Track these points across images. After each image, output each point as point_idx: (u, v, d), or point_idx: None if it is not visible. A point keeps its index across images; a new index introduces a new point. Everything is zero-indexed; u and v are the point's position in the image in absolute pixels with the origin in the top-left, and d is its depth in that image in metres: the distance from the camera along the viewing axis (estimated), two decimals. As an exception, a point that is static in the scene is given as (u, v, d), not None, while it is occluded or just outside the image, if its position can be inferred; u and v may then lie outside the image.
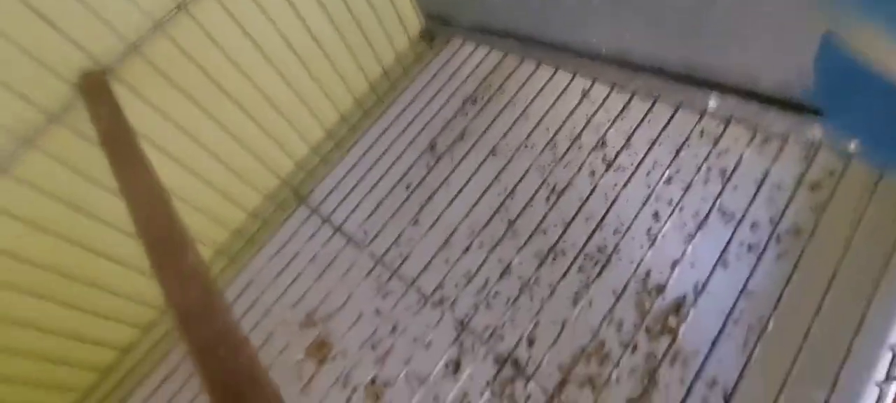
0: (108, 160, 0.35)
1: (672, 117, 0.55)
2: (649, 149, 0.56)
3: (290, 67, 0.58)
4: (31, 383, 0.51)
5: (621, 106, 0.59)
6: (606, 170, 0.61)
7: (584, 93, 0.64)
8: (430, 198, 0.64)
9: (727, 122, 0.52)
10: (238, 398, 0.21)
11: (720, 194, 0.54)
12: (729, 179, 0.55)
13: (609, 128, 0.59)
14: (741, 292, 0.48)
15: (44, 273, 0.48)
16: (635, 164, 0.58)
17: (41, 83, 0.43)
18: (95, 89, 0.41)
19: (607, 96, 0.60)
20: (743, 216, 0.52)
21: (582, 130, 0.62)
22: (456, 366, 0.55)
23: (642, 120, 0.56)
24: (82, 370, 0.55)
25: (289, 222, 0.63)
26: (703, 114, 0.53)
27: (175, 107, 0.51)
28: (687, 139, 0.55)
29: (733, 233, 0.52)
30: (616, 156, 0.61)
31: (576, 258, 0.56)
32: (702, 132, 0.57)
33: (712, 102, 0.49)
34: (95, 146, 0.46)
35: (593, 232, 0.57)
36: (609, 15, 0.53)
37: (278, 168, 0.63)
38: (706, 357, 0.46)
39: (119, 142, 0.35)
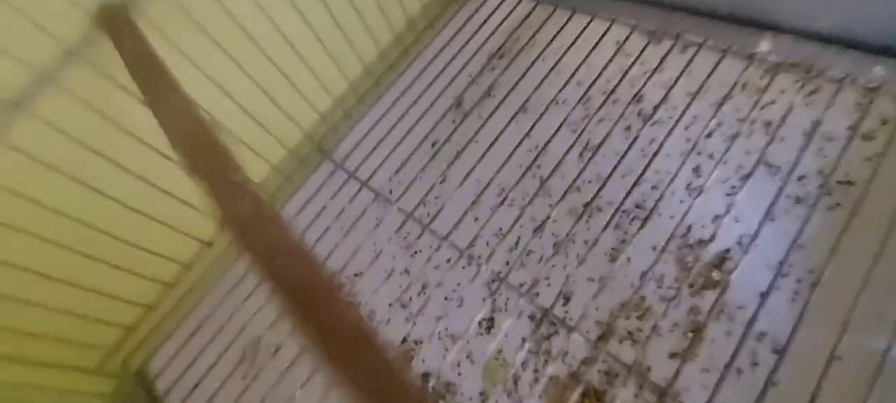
0: (139, 87, 0.33)
1: (715, 67, 0.53)
2: (689, 101, 0.54)
3: (316, 13, 0.55)
4: (59, 339, 0.50)
5: (661, 56, 0.57)
6: (644, 124, 0.59)
7: (621, 45, 0.61)
8: (457, 155, 0.62)
9: (775, 71, 0.49)
10: (307, 303, 0.20)
11: (765, 147, 0.52)
12: (775, 131, 0.53)
13: (647, 79, 0.56)
14: (791, 244, 0.47)
15: (61, 220, 0.46)
16: (674, 118, 0.56)
17: (60, 16, 0.40)
18: (117, 21, 0.39)
19: (645, 47, 0.57)
20: (790, 169, 0.50)
21: (617, 84, 0.59)
22: (490, 324, 0.54)
23: (683, 71, 0.54)
24: (107, 325, 0.54)
25: (313, 177, 0.61)
26: (751, 59, 0.50)
27: (199, 48, 0.48)
28: (730, 91, 0.53)
29: (780, 186, 0.50)
30: (654, 110, 0.58)
31: (613, 215, 0.55)
32: (745, 84, 0.54)
33: (765, 45, 0.47)
34: (114, 83, 0.44)
35: (631, 188, 0.55)
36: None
37: (302, 120, 0.60)
38: (755, 311, 0.45)
39: (148, 68, 0.33)
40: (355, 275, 0.59)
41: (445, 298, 0.56)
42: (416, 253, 0.58)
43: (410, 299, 0.57)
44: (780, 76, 0.50)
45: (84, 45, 0.41)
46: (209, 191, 0.25)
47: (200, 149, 0.27)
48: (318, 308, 0.20)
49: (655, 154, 0.55)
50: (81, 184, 0.46)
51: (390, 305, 0.57)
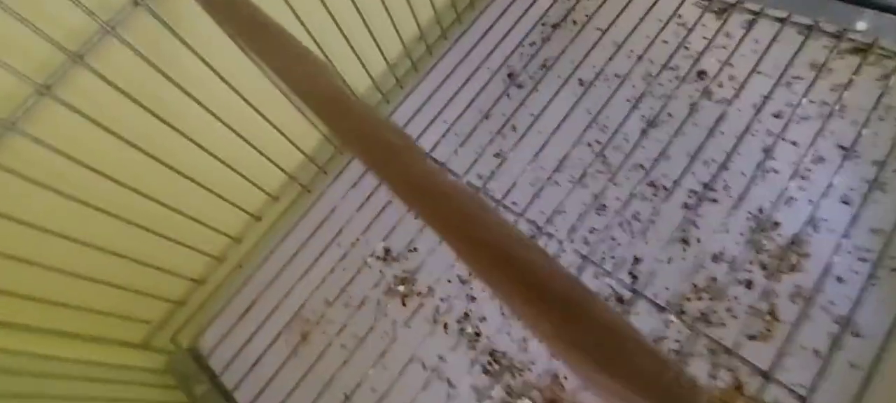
0: (246, 42, 0.29)
1: (800, 47, 0.51)
2: (766, 82, 0.53)
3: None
4: (102, 312, 0.47)
5: (735, 33, 0.55)
6: (713, 103, 0.57)
7: (695, 23, 0.59)
8: (520, 130, 0.60)
9: (864, 52, 0.48)
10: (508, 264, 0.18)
11: (840, 129, 0.52)
12: (849, 114, 0.52)
13: (728, 58, 0.55)
14: (868, 229, 0.47)
15: (107, 184, 0.42)
16: (746, 97, 0.55)
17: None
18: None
19: (722, 25, 0.55)
20: (866, 153, 0.50)
21: (695, 62, 0.57)
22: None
23: (766, 49, 0.52)
24: (154, 299, 0.51)
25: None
26: (839, 39, 0.49)
27: None
28: (808, 71, 0.52)
29: (856, 171, 0.50)
30: (723, 88, 0.57)
31: (680, 193, 0.54)
32: (826, 64, 0.53)
33: (862, 23, 0.45)
34: (175, 37, 0.40)
35: (701, 168, 0.55)
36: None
37: (355, 84, 0.57)
38: (833, 295, 0.45)
39: (250, 20, 0.29)
40: (412, 251, 0.57)
41: (508, 276, 0.54)
42: (478, 229, 0.56)
43: (470, 274, 0.55)
44: (868, 58, 0.49)
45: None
46: (371, 160, 0.23)
47: (342, 112, 0.24)
48: (524, 269, 0.18)
49: (726, 132, 0.54)
50: (131, 146, 0.42)
51: (450, 281, 0.55)
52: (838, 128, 0.52)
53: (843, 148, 0.51)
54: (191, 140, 0.45)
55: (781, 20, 0.52)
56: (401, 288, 0.55)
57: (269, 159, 0.53)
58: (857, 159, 0.50)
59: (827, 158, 0.52)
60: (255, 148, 0.51)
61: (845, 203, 0.49)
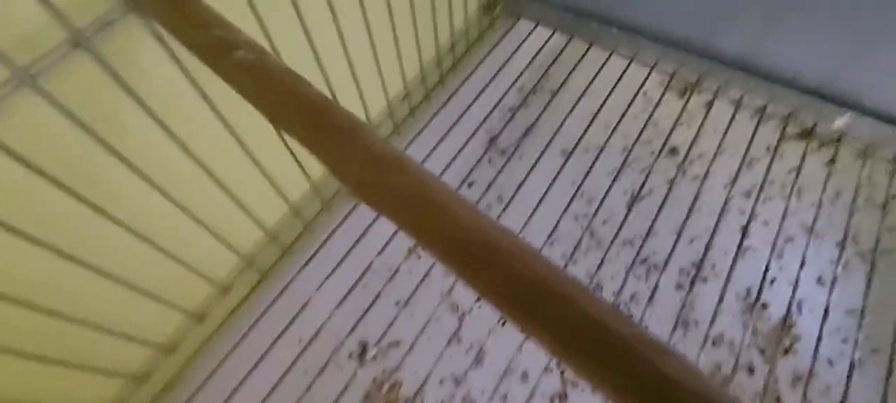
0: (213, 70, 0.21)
1: (779, 141, 0.54)
2: (737, 162, 0.56)
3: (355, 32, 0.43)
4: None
5: (702, 112, 0.57)
6: (688, 178, 0.59)
7: (659, 99, 0.61)
8: (504, 200, 0.55)
9: (836, 144, 0.52)
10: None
11: (802, 210, 0.55)
12: (807, 196, 0.56)
13: (695, 136, 0.56)
14: (843, 311, 0.50)
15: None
16: (717, 175, 0.57)
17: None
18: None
19: (686, 104, 0.57)
20: (829, 234, 0.54)
21: (666, 140, 0.58)
22: (563, 399, 0.48)
23: (725, 133, 0.54)
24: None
25: (347, 222, 0.48)
26: (813, 128, 0.53)
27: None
28: (766, 155, 0.56)
29: (822, 251, 0.53)
30: (700, 166, 0.59)
31: (672, 272, 0.53)
32: (804, 152, 0.56)
33: (840, 122, 0.49)
34: (123, 89, 0.29)
35: (690, 246, 0.54)
36: (758, 18, 0.48)
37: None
38: (831, 379, 0.47)
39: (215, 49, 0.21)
40: (392, 345, 0.48)
41: (506, 370, 0.48)
42: (464, 314, 0.49)
43: (464, 372, 0.48)
44: (842, 149, 0.52)
45: (99, 27, 0.25)
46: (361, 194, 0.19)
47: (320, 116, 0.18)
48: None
49: (702, 211, 0.55)
50: (30, 239, 0.29)
51: (442, 382, 0.47)
52: (800, 209, 0.56)
53: (807, 229, 0.55)
54: (121, 225, 0.33)
55: (736, 102, 0.55)
56: (382, 393, 0.45)
57: (220, 240, 0.41)
58: (820, 240, 0.54)
59: (795, 239, 0.55)
60: (205, 227, 0.39)
61: (820, 283, 0.52)
